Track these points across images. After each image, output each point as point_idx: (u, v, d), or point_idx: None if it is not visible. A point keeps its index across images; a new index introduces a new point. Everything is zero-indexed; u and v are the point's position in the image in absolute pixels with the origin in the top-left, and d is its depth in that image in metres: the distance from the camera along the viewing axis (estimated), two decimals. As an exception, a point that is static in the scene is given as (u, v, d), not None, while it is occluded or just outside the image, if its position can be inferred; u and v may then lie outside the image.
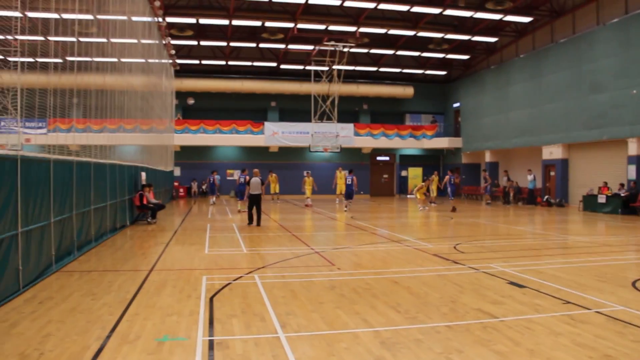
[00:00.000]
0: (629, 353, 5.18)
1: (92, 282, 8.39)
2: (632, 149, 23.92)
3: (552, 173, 29.98)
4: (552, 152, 29.35)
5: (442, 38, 32.78)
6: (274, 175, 33.27)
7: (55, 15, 10.08)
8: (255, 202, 17.90)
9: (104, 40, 14.58)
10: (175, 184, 36.36)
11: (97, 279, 8.65)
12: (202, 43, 33.19)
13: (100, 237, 13.12)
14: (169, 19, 27.46)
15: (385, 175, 42.53)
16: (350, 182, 25.54)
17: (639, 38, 23.29)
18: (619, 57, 24.46)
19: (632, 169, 23.88)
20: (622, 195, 23.23)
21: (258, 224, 17.78)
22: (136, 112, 19.24)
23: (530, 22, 30.19)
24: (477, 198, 35.76)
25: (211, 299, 7.29)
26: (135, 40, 18.99)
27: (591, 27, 26.50)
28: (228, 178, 38.08)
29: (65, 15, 10.72)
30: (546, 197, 29.37)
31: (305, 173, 29.91)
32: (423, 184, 27.62)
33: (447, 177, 25.99)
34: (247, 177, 18.86)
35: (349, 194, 25.64)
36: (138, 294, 7.57)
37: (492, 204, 30.74)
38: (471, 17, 29.36)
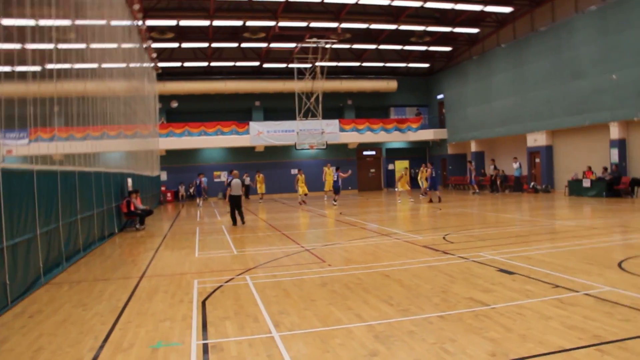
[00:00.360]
0: (617, 332, 5.27)
1: (83, 293, 8.33)
2: (614, 132, 24.22)
3: (537, 160, 30.22)
4: (537, 139, 29.58)
5: (424, 30, 32.88)
6: (261, 175, 33.56)
7: (31, 22, 9.95)
8: (235, 203, 18.21)
9: (83, 46, 14.45)
10: (162, 188, 36.18)
11: (88, 289, 8.59)
12: (184, 45, 33.01)
13: (88, 247, 13.03)
14: (149, 22, 27.28)
15: (373, 170, 42.63)
16: (336, 178, 27.00)
17: (616, 25, 23.54)
18: (598, 44, 24.68)
19: (615, 152, 24.21)
20: (606, 178, 23.50)
21: (242, 222, 18.19)
22: (119, 117, 19.10)
23: (510, 12, 30.32)
24: (464, 188, 35.94)
25: (203, 303, 7.27)
26: (115, 45, 18.84)
27: (570, 15, 26.69)
28: (215, 180, 37.99)
29: (42, 22, 10.59)
30: (532, 183, 29.62)
31: (297, 171, 29.75)
32: (403, 173, 27.76)
33: (429, 170, 26.29)
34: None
35: (336, 189, 26.97)
36: (130, 302, 7.53)
37: (479, 193, 30.94)
38: (452, 9, 29.47)
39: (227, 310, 6.77)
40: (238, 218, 18.37)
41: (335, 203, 26.18)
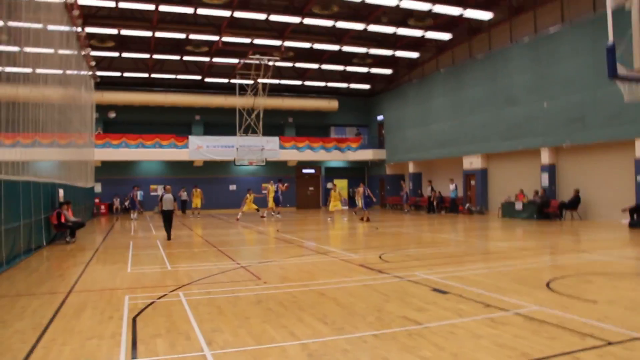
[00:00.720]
0: (544, 350, 5.43)
1: (3, 309, 7.87)
2: (545, 158, 25.31)
3: (473, 182, 31.09)
4: (472, 162, 30.46)
5: (366, 53, 33.48)
6: (198, 190, 33.26)
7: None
8: (167, 217, 18.17)
9: (16, 49, 13.88)
10: (96, 200, 35.06)
11: (9, 305, 8.14)
12: (124, 55, 32.34)
13: (12, 260, 12.38)
14: (89, 29, 26.60)
15: (311, 188, 42.74)
16: (276, 189, 28.70)
17: (547, 56, 24.78)
18: (530, 74, 25.87)
19: (545, 176, 25.26)
20: (537, 202, 24.41)
21: (168, 238, 18.01)
22: (53, 125, 18.39)
23: (449, 40, 31.31)
24: (401, 208, 36.52)
25: (134, 320, 7.02)
26: (51, 50, 18.22)
27: (505, 44, 27.84)
28: (152, 193, 37.13)
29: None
30: (467, 205, 30.39)
31: (248, 191, 29.65)
32: (332, 190, 28.13)
33: (361, 189, 26.79)
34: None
35: (276, 201, 28.91)
36: (55, 318, 7.18)
37: (411, 212, 31.57)
38: (394, 33, 30.13)
39: (159, 328, 6.56)
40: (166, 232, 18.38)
41: (278, 215, 27.82)
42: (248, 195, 28.31)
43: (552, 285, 8.84)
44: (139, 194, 31.69)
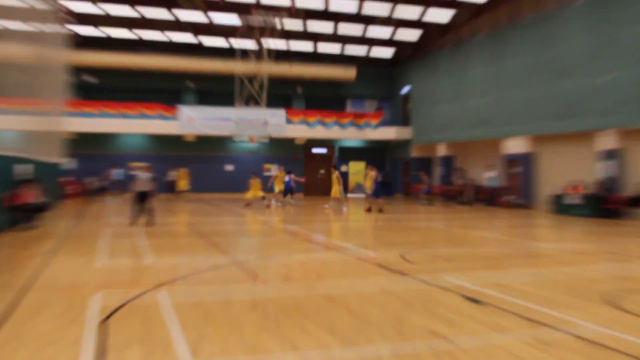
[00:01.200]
0: (604, 383, 5.24)
1: (-52, 304, 7.87)
2: (607, 142, 24.78)
3: (516, 169, 30.74)
4: (516, 145, 30.13)
5: (390, 12, 33.13)
6: (183, 170, 33.55)
7: None
8: (143, 199, 18.63)
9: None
10: (69, 178, 35.25)
11: (-45, 300, 8.13)
12: (107, 9, 32.27)
13: (-35, 245, 12.40)
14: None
15: (322, 171, 42.69)
16: (288, 180, 29.03)
17: (612, 16, 24.17)
18: (588, 39, 25.33)
19: (607, 165, 24.68)
20: (598, 195, 23.91)
21: (151, 224, 18.51)
22: (16, 89, 18.38)
23: (490, -2, 30.92)
24: (429, 200, 36.42)
25: (104, 323, 6.98)
26: (15, 1, 18.14)
27: (558, 4, 27.31)
28: (132, 173, 37.28)
29: None
30: (509, 197, 30.10)
31: (252, 175, 30.02)
32: (333, 176, 28.24)
33: (373, 173, 26.50)
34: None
35: (290, 189, 29.28)
36: (8, 320, 7.13)
37: (430, 204, 31.78)
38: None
39: (134, 333, 6.52)
40: (144, 218, 18.74)
41: (291, 202, 28.81)
42: (252, 180, 28.48)
43: (615, 300, 8.64)
44: (116, 173, 31.86)
